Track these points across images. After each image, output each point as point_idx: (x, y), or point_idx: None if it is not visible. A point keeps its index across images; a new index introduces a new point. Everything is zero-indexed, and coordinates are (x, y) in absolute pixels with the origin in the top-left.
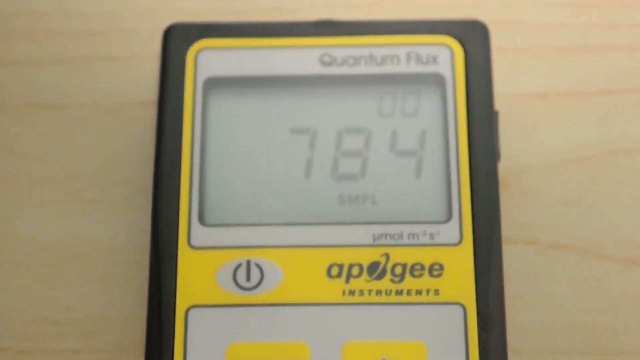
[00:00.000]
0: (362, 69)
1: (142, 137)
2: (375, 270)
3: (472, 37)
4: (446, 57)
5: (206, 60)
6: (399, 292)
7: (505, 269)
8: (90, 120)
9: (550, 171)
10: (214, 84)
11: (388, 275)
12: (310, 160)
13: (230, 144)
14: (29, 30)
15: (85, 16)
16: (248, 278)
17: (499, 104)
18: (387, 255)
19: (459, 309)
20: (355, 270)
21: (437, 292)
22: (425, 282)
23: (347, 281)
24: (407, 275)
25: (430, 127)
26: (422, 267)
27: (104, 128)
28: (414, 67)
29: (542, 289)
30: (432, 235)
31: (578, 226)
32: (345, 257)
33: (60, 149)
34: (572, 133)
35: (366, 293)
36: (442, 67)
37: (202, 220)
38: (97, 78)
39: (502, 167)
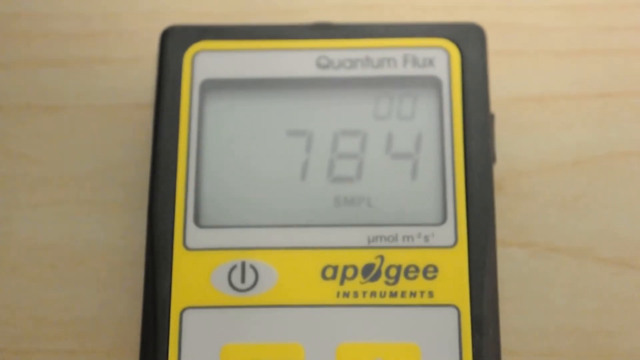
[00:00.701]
0: (359, 72)
1: (139, 139)
2: (369, 272)
3: (469, 40)
4: (443, 59)
5: (203, 62)
6: (393, 294)
7: (500, 272)
8: (87, 122)
9: (546, 174)
10: (211, 86)
11: (382, 277)
12: (306, 162)
13: (227, 145)
14: (27, 32)
15: (84, 18)
16: (243, 280)
17: (495, 107)
18: (382, 257)
19: (453, 311)
20: (349, 272)
21: (431, 294)
22: (420, 284)
23: (341, 283)
24: (402, 277)
25: (426, 130)
26: (417, 269)
27: (101, 129)
28: (410, 70)
29: (536, 292)
30: (426, 238)
31: (573, 229)
32: (340, 258)
33: (58, 150)
34: (568, 136)
35: (360, 295)
36: (439, 70)
37: (197, 221)
38: (95, 80)
39: (498, 169)
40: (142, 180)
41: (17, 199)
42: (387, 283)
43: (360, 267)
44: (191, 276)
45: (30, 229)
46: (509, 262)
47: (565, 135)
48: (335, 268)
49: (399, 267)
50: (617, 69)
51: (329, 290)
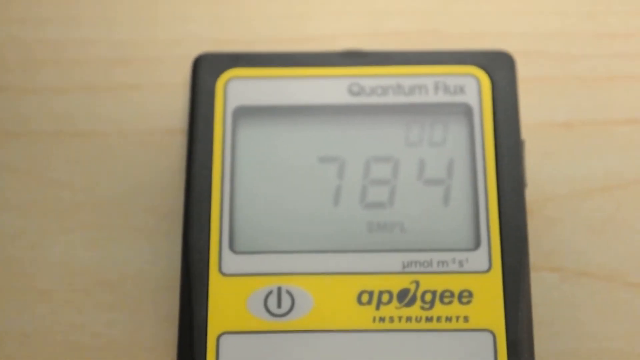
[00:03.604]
0: (390, 99)
1: (169, 164)
2: (405, 297)
3: (499, 67)
4: (473, 87)
5: (235, 89)
6: (429, 319)
7: (532, 296)
8: (117, 148)
9: (574, 199)
10: (244, 113)
11: (418, 302)
12: (339, 188)
13: (260, 172)
14: (55, 59)
15: (112, 44)
16: (279, 305)
17: (523, 133)
18: (417, 283)
19: (488, 335)
20: (385, 297)
21: (466, 319)
22: (455, 309)
23: (377, 308)
24: (437, 302)
25: (458, 156)
26: (452, 294)
27: (132, 155)
28: (441, 97)
29: (567, 316)
30: (461, 263)
31: (603, 253)
32: (375, 284)
33: (89, 175)
34: (595, 162)
35: (396, 320)
36: (469, 97)
37: (232, 247)
38: (124, 105)
39: (528, 194)
40: (173, 205)
41: (49, 225)
42: (422, 308)
43: (395, 292)
44: (227, 301)
45: (62, 254)
46: (540, 286)
47: (593, 161)
48: (370, 293)
49: (434, 292)
50: None
51: (365, 316)
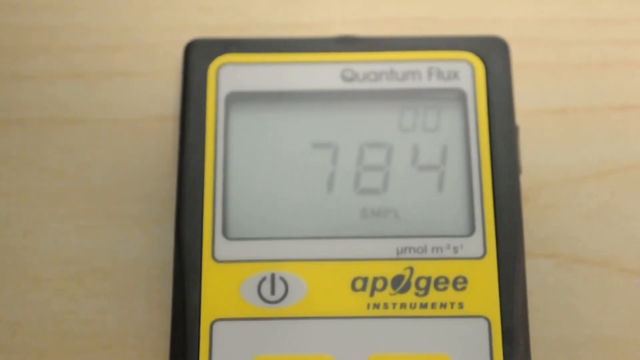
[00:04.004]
0: (384, 84)
1: (161, 151)
2: (399, 283)
3: (493, 53)
4: (467, 72)
5: (228, 75)
6: (423, 306)
7: (527, 282)
8: (109, 135)
9: (569, 186)
10: (236, 99)
11: (412, 289)
12: (332, 175)
13: (253, 158)
14: (47, 45)
15: (104, 31)
16: (273, 291)
17: (518, 120)
18: (412, 269)
19: (483, 322)
20: (379, 284)
21: (461, 306)
22: (450, 295)
23: (371, 294)
24: (432, 288)
25: (452, 142)
26: (447, 281)
27: (124, 142)
28: (435, 83)
29: (562, 302)
30: (455, 249)
31: (598, 240)
32: (369, 270)
33: (80, 163)
34: (590, 148)
35: (390, 306)
36: (463, 83)
37: (225, 233)
38: (116, 92)
39: (522, 181)
40: (165, 193)
41: (41, 213)
42: (417, 294)
43: (389, 278)
44: (221, 288)
45: (53, 242)
46: (535, 273)
47: (587, 147)
48: (364, 280)
49: (428, 279)
50: (638, 81)
51: (359, 302)
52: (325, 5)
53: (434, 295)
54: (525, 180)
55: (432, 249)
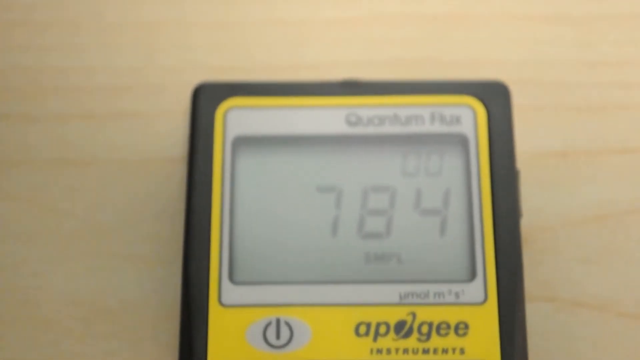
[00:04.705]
0: (387, 129)
1: (169, 193)
2: (402, 328)
3: (494, 97)
4: (469, 117)
5: (235, 119)
6: (425, 351)
7: (527, 326)
8: (118, 176)
9: (569, 228)
10: (243, 143)
11: (415, 334)
12: (336, 218)
13: (259, 202)
14: (56, 86)
15: (112, 72)
16: (278, 336)
17: (518, 162)
18: (414, 314)
19: None
20: (382, 329)
21: (462, 351)
22: (451, 341)
23: (374, 340)
24: (434, 333)
25: (454, 186)
26: (448, 326)
27: (132, 183)
28: (437, 127)
29: (562, 346)
30: (457, 294)
31: (597, 283)
32: (373, 315)
33: (89, 204)
34: (590, 191)
35: (393, 352)
36: (465, 127)
37: (232, 278)
38: (125, 133)
39: (522, 225)
40: (173, 234)
41: (49, 253)
42: (419, 340)
43: (392, 323)
44: (227, 332)
45: (63, 284)
46: (535, 316)
47: (587, 191)
48: (368, 325)
49: (430, 324)
50: (638, 124)
51: (362, 347)
52: (330, 47)
53: (435, 341)
54: (525, 223)
55: (434, 295)
